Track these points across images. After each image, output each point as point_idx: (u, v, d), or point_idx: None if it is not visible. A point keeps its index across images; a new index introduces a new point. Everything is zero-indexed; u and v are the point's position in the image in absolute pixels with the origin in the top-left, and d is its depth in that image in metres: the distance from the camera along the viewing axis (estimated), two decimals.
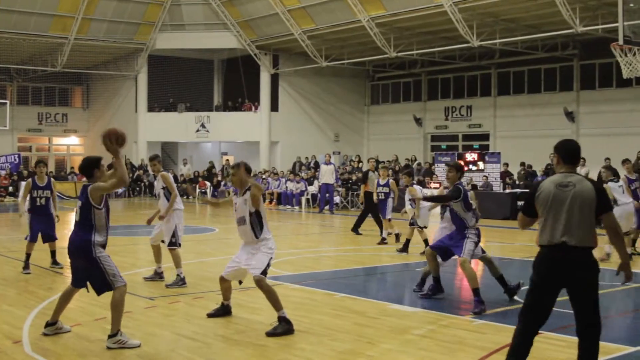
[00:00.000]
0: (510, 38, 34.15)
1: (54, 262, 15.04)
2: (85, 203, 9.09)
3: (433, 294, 12.15)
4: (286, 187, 37.98)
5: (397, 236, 20.33)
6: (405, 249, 18.02)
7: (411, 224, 17.89)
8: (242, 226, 9.98)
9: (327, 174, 33.79)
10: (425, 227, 17.79)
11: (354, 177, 37.15)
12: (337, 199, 35.32)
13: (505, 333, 9.64)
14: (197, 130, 45.45)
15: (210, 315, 10.59)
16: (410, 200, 17.77)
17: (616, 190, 16.88)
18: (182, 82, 47.24)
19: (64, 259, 12.66)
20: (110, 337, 8.94)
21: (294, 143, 44.72)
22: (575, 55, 37.56)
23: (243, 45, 43.46)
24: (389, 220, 20.47)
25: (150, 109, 46.16)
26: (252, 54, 43.80)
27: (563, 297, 12.02)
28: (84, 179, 9.54)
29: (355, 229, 22.50)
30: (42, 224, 14.79)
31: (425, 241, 17.32)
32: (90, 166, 9.30)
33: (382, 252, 18.00)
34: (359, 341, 9.34)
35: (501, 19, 33.38)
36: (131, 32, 43.62)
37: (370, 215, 22.14)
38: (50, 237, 14.94)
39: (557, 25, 31.85)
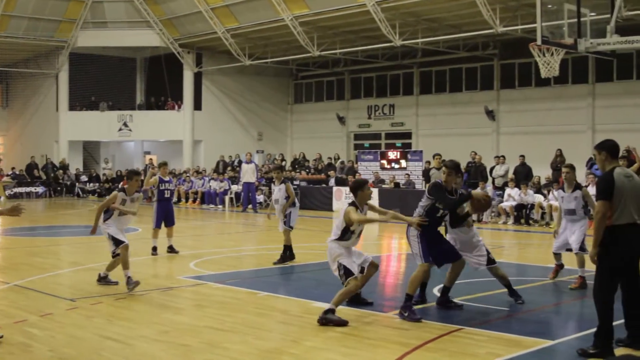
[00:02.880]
0: (432, 38, 34.49)
1: None
2: None
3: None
4: (210, 186, 37.83)
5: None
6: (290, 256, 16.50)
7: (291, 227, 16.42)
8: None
9: (248, 173, 33.77)
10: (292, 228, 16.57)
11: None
12: (260, 197, 35.28)
13: (427, 329, 9.79)
14: (120, 130, 44.98)
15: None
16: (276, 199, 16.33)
17: None
18: (104, 81, 46.66)
19: None
20: None
21: (217, 142, 44.53)
22: (496, 55, 38.13)
23: (166, 44, 43.14)
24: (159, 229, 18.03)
25: (72, 107, 45.50)
26: (175, 52, 43.49)
27: (485, 292, 12.26)
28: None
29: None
30: None
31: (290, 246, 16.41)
32: None
33: (304, 251, 18.06)
34: (283, 339, 9.39)
35: (423, 19, 33.72)
36: (52, 30, 42.94)
37: None
38: None
39: (477, 25, 32.29)
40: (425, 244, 10.74)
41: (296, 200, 16.76)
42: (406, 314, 10.47)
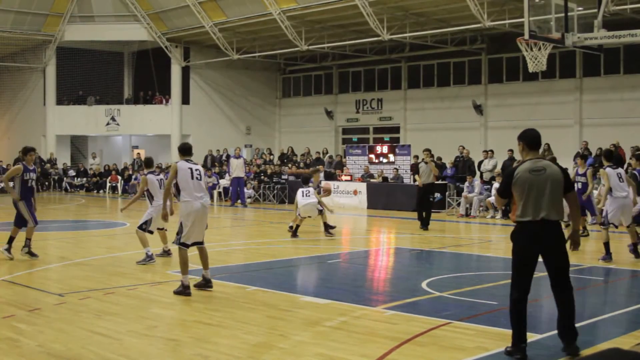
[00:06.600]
0: (420, 32, 34.55)
1: None
2: None
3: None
4: None
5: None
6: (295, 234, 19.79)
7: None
8: None
9: (237, 168, 33.76)
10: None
11: (269, 171, 37.19)
12: (250, 192, 35.30)
13: (416, 323, 9.79)
14: (108, 124, 44.87)
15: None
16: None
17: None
18: (91, 75, 46.52)
19: None
20: None
21: (205, 136, 44.46)
22: (483, 50, 38.19)
23: (153, 38, 43.03)
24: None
25: (59, 102, 45.38)
26: (162, 47, 43.39)
27: (474, 286, 12.28)
28: None
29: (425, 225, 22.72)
30: None
31: (296, 227, 19.75)
32: None
33: (291, 245, 18.08)
34: (272, 334, 9.37)
35: (411, 13, 33.73)
36: (39, 24, 42.79)
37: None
38: None
39: (465, 19, 32.36)
40: None
41: (148, 196, 15.91)
42: None
